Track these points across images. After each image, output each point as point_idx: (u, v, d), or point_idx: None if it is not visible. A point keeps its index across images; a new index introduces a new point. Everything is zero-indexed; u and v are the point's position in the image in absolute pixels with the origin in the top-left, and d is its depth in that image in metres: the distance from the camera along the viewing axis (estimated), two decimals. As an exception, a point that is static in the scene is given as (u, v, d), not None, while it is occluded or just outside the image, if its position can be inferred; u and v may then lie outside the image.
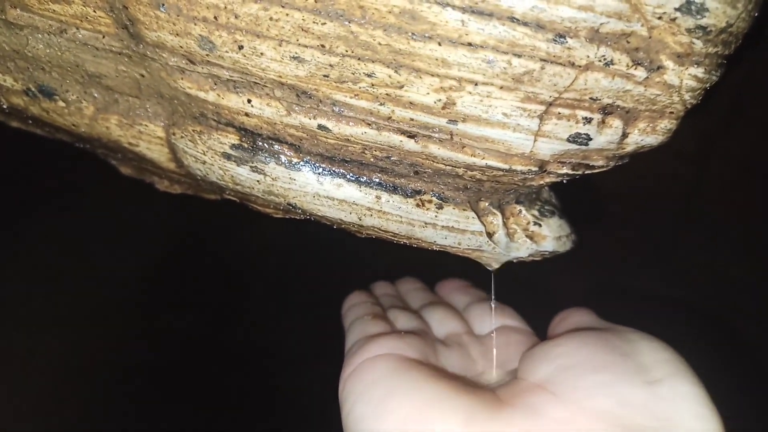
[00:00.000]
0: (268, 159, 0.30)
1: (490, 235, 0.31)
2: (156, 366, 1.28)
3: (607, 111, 0.27)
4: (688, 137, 1.39)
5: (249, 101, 0.29)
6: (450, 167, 0.28)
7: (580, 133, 0.27)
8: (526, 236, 0.31)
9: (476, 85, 0.25)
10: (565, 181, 0.31)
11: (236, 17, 0.26)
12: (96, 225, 1.53)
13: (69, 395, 1.16)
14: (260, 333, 1.83)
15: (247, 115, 0.30)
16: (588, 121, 0.27)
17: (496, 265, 0.31)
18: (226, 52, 0.28)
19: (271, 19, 0.26)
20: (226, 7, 0.26)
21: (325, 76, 0.27)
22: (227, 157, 0.31)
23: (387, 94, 0.27)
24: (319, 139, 0.29)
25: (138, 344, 1.58)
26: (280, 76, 0.28)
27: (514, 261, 0.33)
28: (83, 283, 1.32)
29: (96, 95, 0.34)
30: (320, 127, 0.29)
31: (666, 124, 0.27)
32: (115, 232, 1.59)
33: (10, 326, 1.21)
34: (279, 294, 1.88)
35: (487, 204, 0.31)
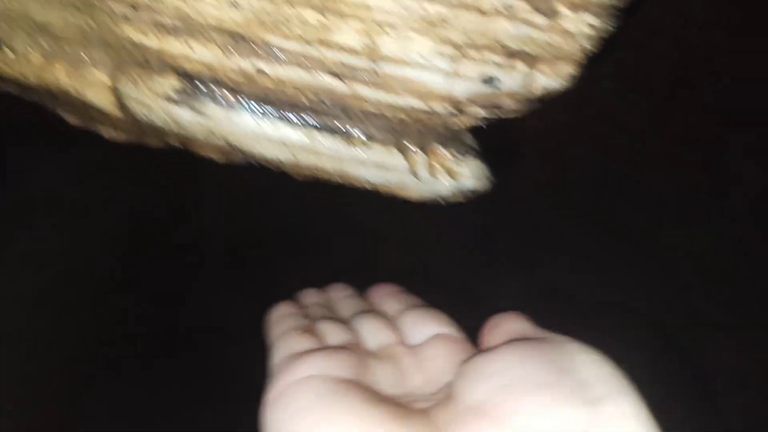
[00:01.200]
0: (208, 102, 0.33)
1: (414, 172, 0.34)
2: (104, 345, 1.28)
3: (514, 56, 0.30)
4: (630, 112, 1.46)
5: (190, 46, 0.32)
6: (376, 108, 0.31)
7: (490, 76, 0.30)
8: (448, 174, 0.34)
9: (396, 29, 0.28)
10: (484, 126, 0.34)
11: (176, -36, 0.28)
12: (42, 201, 1.50)
13: (10, 369, 1.15)
14: (209, 313, 1.83)
15: (188, 59, 0.32)
16: (497, 64, 0.30)
17: (419, 198, 0.35)
18: (168, -2, 0.30)
19: (208, -34, 0.28)
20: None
21: (260, 21, 0.30)
22: (170, 100, 0.33)
23: (318, 38, 0.30)
24: (256, 82, 0.32)
25: (86, 323, 1.57)
26: (219, 22, 0.30)
27: (440, 200, 0.36)
28: (27, 258, 1.30)
29: (44, 45, 0.36)
30: (257, 70, 0.31)
31: (568, 69, 0.31)
32: (62, 208, 1.56)
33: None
34: (230, 275, 1.89)
35: (411, 144, 0.34)
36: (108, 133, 0.39)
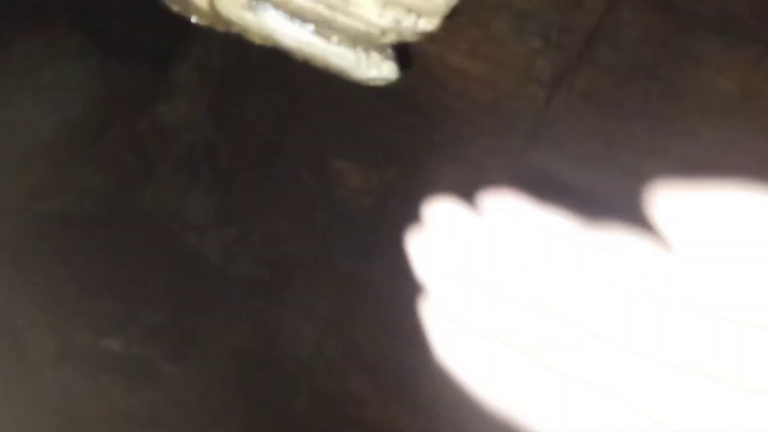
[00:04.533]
0: (263, 11, 0.65)
1: (360, 64, 0.68)
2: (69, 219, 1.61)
3: (410, 10, 0.64)
4: (545, 68, 1.80)
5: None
6: (344, 26, 0.65)
7: (398, 19, 0.64)
8: (376, 68, 0.68)
9: (357, -10, 0.62)
10: (395, 43, 0.69)
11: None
12: (19, 82, 1.79)
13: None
14: (167, 198, 2.23)
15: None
16: (402, 13, 0.64)
17: (359, 80, 0.69)
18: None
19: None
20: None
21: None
22: (243, 6, 0.66)
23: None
24: (286, 4, 0.65)
25: (54, 196, 1.92)
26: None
27: (369, 82, 0.70)
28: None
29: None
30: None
31: (435, 20, 0.65)
32: (37, 89, 1.87)
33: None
34: (188, 166, 2.28)
35: (360, 48, 0.67)
36: (199, 20, 0.71)
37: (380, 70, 0.68)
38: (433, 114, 1.79)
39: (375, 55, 0.67)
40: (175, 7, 0.71)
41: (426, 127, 1.75)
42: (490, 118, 1.82)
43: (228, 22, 0.67)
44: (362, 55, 0.67)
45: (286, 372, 1.97)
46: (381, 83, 0.69)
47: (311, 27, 0.65)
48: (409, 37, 0.65)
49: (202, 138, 2.19)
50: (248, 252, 2.17)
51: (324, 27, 0.65)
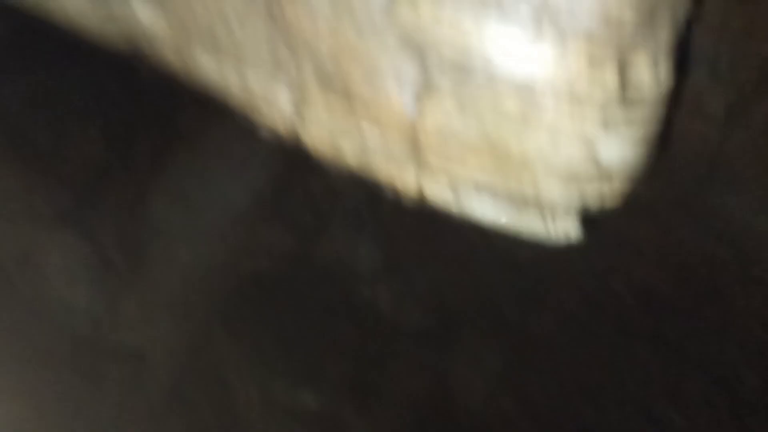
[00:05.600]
0: (466, 195, 0.74)
1: (546, 231, 0.74)
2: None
3: (590, 183, 0.69)
4: (717, 104, 1.70)
5: None
6: (534, 200, 0.71)
7: (582, 193, 0.69)
8: (561, 232, 0.74)
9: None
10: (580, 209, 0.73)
11: None
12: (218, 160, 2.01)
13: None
14: (340, 251, 2.39)
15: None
16: (583, 190, 0.69)
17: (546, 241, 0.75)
18: None
19: None
20: None
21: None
22: (450, 192, 0.75)
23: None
24: (486, 187, 0.73)
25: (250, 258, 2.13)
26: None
27: (552, 241, 0.76)
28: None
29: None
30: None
31: (616, 190, 0.69)
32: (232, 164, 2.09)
33: None
34: (356, 219, 2.43)
35: (549, 216, 0.74)
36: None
37: (566, 231, 0.73)
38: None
39: (561, 221, 0.73)
40: (350, 155, 0.79)
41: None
42: (658, 159, 1.75)
43: (425, 199, 0.76)
44: (550, 223, 0.73)
45: (461, 424, 2.06)
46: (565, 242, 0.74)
47: (505, 203, 0.72)
48: (592, 205, 0.70)
49: (367, 191, 2.34)
50: (416, 302, 2.30)
51: (517, 202, 0.72)
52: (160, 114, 1.74)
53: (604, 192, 0.65)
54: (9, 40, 1.46)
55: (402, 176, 0.71)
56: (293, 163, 2.31)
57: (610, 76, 0.55)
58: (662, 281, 2.08)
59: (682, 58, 0.62)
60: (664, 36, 0.55)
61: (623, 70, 0.55)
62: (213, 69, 0.73)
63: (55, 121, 1.68)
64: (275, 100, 0.71)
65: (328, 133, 0.71)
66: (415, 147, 0.65)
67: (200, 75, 0.75)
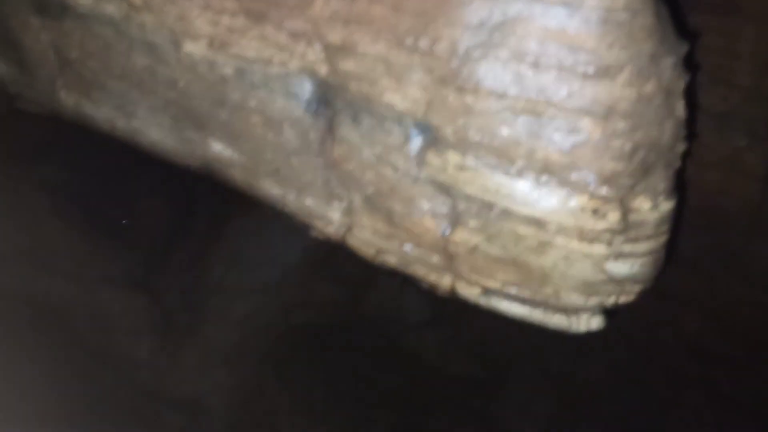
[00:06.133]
0: (496, 300, 0.81)
1: (570, 326, 0.80)
2: None
3: (610, 295, 0.75)
4: (756, 162, 1.72)
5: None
6: (559, 306, 0.78)
7: (602, 301, 0.76)
8: (584, 325, 0.80)
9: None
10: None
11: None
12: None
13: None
14: (387, 302, 2.41)
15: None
16: (603, 299, 0.75)
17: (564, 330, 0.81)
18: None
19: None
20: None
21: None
22: (479, 296, 0.82)
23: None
24: (514, 291, 0.80)
25: (301, 311, 2.19)
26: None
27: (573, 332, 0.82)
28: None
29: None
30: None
31: (633, 294, 0.75)
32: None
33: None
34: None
35: (573, 313, 0.80)
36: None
37: (589, 325, 0.80)
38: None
39: (585, 316, 0.79)
40: (392, 260, 0.87)
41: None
42: (700, 216, 1.78)
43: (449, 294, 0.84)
44: (573, 320, 0.79)
45: (514, 475, 2.07)
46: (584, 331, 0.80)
47: (531, 306, 0.79)
48: (610, 305, 0.76)
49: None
50: (462, 351, 2.34)
51: (542, 305, 0.79)
52: (216, 184, 1.88)
53: (618, 295, 0.72)
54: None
55: (438, 280, 0.79)
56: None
57: (612, 219, 0.62)
58: (710, 331, 2.07)
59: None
60: (661, 180, 0.61)
61: (625, 214, 0.62)
62: (274, 192, 0.83)
63: (125, 195, 1.84)
64: (329, 219, 0.80)
65: (373, 245, 0.80)
66: (449, 261, 0.73)
67: (263, 196, 0.85)
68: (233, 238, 1.93)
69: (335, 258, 2.36)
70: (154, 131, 0.93)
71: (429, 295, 2.55)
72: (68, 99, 1.03)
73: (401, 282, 2.42)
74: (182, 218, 1.91)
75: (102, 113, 0.98)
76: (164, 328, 2.01)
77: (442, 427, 2.14)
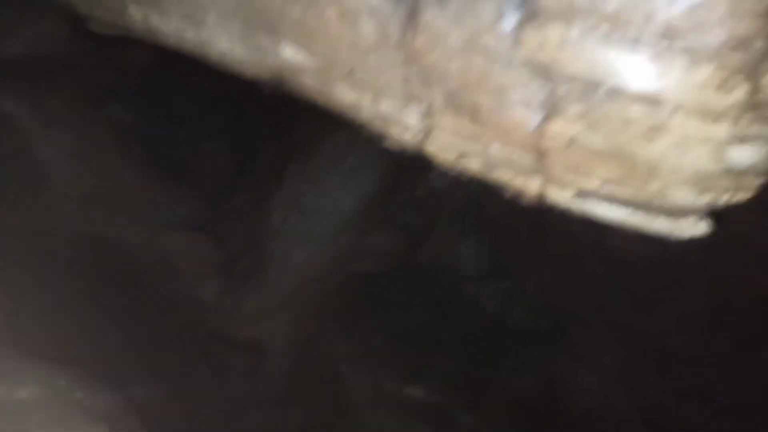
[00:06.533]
0: (591, 202, 0.76)
1: (673, 230, 0.74)
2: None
3: (725, 191, 0.69)
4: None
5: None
6: (662, 207, 0.72)
7: (714, 200, 0.70)
8: (689, 229, 0.74)
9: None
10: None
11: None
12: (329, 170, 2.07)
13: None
14: (444, 252, 2.37)
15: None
16: (716, 197, 0.69)
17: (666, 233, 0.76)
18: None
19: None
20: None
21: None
22: (573, 197, 0.77)
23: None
24: (610, 196, 0.75)
25: (358, 259, 2.17)
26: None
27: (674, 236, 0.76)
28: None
29: None
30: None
31: (748, 194, 0.69)
32: (341, 173, 2.15)
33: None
34: (461, 222, 2.43)
35: (678, 216, 0.74)
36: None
37: (694, 230, 0.73)
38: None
39: (691, 219, 0.73)
40: (474, 165, 0.81)
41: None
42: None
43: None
44: (678, 222, 0.73)
45: (573, 423, 2.03)
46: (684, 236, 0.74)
47: (631, 208, 0.73)
48: (721, 204, 0.70)
49: (472, 195, 2.37)
50: (523, 302, 2.29)
51: (643, 207, 0.73)
52: (279, 129, 1.87)
53: (734, 191, 0.65)
54: (152, 69, 1.64)
55: (526, 184, 0.74)
56: (399, 170, 2.38)
57: (740, 94, 0.55)
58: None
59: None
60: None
61: (754, 89, 0.55)
62: (349, 98, 0.79)
63: (189, 139, 1.86)
64: (406, 124, 0.76)
65: (454, 149, 0.75)
66: (540, 160, 0.68)
67: (336, 102, 0.82)
68: (293, 183, 1.93)
69: (394, 206, 2.34)
70: (224, 40, 0.90)
71: (489, 244, 2.49)
72: (137, 13, 1.02)
73: (461, 230, 2.37)
74: (244, 162, 1.91)
75: (171, 25, 0.97)
76: (228, 273, 2.04)
77: (501, 377, 2.11)
